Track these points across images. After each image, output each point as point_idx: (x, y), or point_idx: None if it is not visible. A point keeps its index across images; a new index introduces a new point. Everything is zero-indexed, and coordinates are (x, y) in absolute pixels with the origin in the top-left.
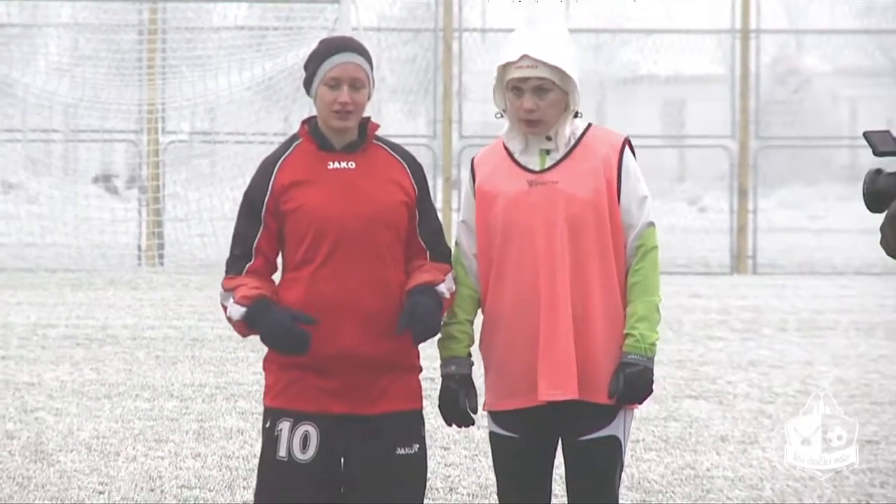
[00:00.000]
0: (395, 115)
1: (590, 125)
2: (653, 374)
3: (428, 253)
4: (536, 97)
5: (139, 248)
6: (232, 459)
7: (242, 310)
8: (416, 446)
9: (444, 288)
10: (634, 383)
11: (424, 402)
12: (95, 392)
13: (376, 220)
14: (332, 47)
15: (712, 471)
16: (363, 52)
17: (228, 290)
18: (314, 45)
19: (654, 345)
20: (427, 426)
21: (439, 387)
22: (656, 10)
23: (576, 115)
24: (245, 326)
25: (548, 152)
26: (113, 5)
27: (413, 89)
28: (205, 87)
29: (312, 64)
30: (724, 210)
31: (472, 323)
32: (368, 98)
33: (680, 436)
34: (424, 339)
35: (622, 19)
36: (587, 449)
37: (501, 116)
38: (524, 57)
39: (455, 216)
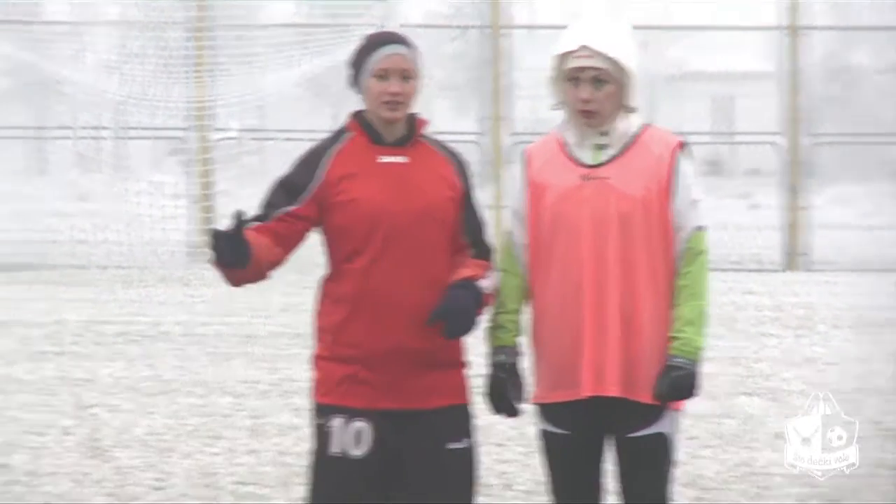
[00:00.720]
0: (444, 113)
1: (647, 125)
2: (698, 378)
3: (471, 249)
4: (593, 88)
5: (190, 244)
6: (286, 456)
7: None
8: (467, 441)
9: (485, 283)
10: (679, 386)
11: (478, 399)
12: (150, 388)
13: (427, 215)
14: (379, 40)
15: (768, 467)
16: (410, 45)
17: None
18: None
19: (700, 349)
20: (482, 422)
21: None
22: (705, 7)
23: (631, 111)
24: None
25: (602, 147)
26: (161, 3)
27: (462, 86)
28: (253, 85)
29: (359, 57)
30: (775, 207)
31: (520, 312)
32: (416, 89)
33: (735, 433)
34: (458, 335)
35: (671, 16)
36: (636, 446)
37: (558, 108)
38: (583, 47)
39: (504, 213)
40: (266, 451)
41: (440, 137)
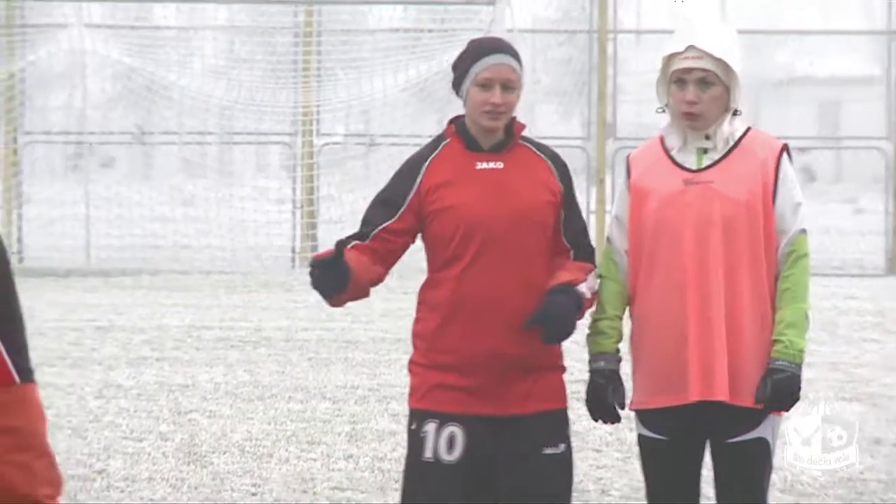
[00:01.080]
0: (550, 117)
1: (749, 128)
2: (800, 381)
3: (571, 252)
4: (699, 89)
5: (293, 250)
6: (384, 461)
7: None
8: (563, 446)
9: (585, 287)
10: (782, 389)
11: (576, 404)
12: (249, 394)
13: (524, 220)
14: (484, 48)
15: (865, 473)
16: (514, 54)
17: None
18: None
19: (802, 351)
20: (579, 428)
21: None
22: (812, 12)
23: (735, 114)
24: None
25: (705, 151)
26: (269, 8)
27: (567, 91)
28: (359, 90)
29: (463, 64)
30: (879, 212)
31: (621, 318)
32: (518, 99)
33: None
34: (556, 340)
35: (778, 20)
36: (735, 451)
37: (663, 111)
38: (690, 48)
39: (608, 218)
40: (364, 457)
41: (545, 142)
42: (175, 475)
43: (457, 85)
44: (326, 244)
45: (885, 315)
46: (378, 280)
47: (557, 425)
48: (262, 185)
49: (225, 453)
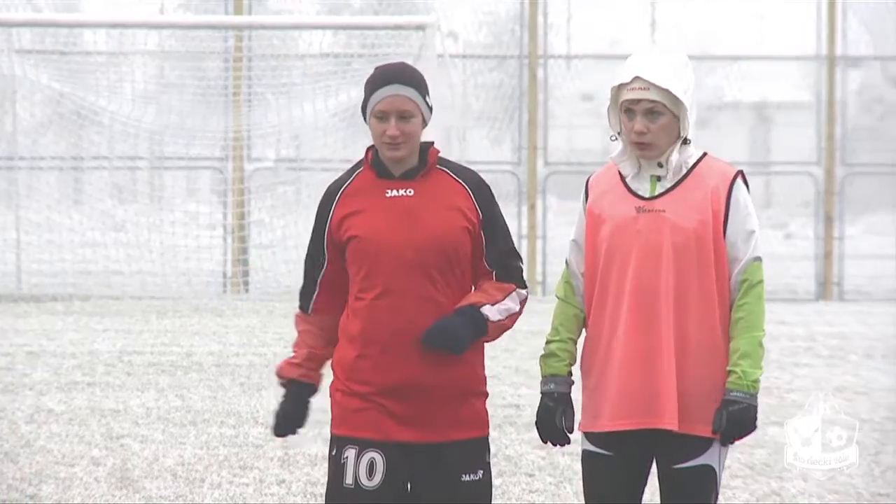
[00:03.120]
0: (481, 142)
1: (704, 154)
2: (756, 411)
3: (494, 273)
4: (647, 120)
5: (224, 275)
6: (317, 486)
7: (279, 381)
8: (482, 472)
9: (495, 309)
10: (738, 421)
11: (508, 428)
12: (181, 419)
13: (434, 247)
14: (378, 80)
15: (798, 497)
16: (412, 81)
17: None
18: None
19: (757, 381)
20: (512, 452)
21: (532, 410)
22: (742, 37)
23: (686, 142)
24: None
25: (659, 179)
26: (199, 33)
27: (498, 116)
28: (290, 114)
29: (365, 95)
30: (810, 237)
31: (575, 342)
32: (425, 124)
33: (766, 462)
34: (435, 346)
35: (708, 45)
36: (682, 477)
37: (616, 139)
38: (636, 79)
39: (539, 243)
40: (296, 482)
41: (475, 167)
42: (107, 500)
43: (363, 114)
44: (257, 269)
45: (816, 340)
46: (329, 356)
47: (477, 452)
48: (193, 210)
49: (157, 478)
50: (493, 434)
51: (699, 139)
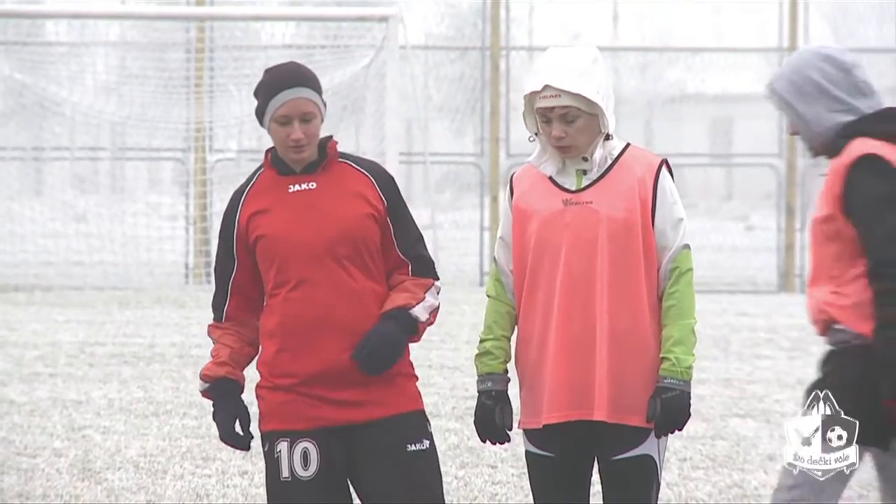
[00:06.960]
0: (443, 134)
1: (628, 145)
2: (690, 398)
3: (410, 266)
4: (564, 124)
5: (187, 265)
6: None
7: (205, 385)
8: (427, 442)
9: (421, 309)
10: (672, 408)
11: (471, 420)
12: (143, 410)
13: (341, 236)
14: (276, 84)
15: (760, 489)
16: (309, 83)
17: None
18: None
19: (690, 368)
20: (474, 444)
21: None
22: (704, 29)
23: (608, 138)
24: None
25: (584, 172)
26: (161, 24)
27: (460, 108)
28: (252, 106)
29: (262, 97)
30: (771, 228)
31: (508, 339)
32: (322, 121)
33: (727, 454)
34: (377, 372)
35: (669, 38)
36: (621, 468)
37: (534, 139)
38: (546, 87)
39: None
40: (259, 473)
41: (438, 159)
42: (69, 492)
43: (259, 116)
44: None
45: (778, 332)
46: (255, 354)
47: (418, 424)
48: (155, 201)
49: (119, 469)
50: (456, 426)
51: (662, 132)
